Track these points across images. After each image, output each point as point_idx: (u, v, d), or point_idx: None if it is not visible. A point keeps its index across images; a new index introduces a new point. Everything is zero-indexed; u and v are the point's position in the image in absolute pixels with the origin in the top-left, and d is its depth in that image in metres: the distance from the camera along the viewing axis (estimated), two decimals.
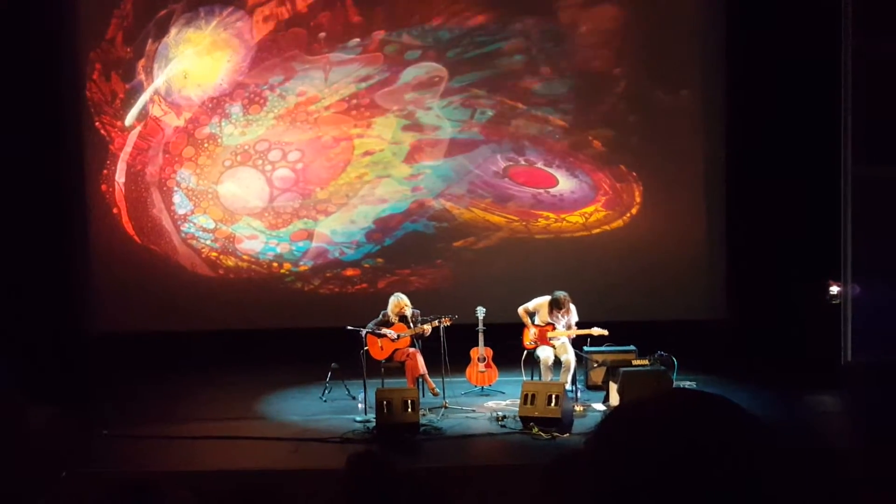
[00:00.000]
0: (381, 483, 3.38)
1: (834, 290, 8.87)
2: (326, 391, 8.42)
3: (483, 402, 8.25)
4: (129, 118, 10.47)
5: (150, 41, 10.39)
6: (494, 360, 8.48)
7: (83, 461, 6.02)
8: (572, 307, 8.31)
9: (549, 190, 10.53)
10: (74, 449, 6.31)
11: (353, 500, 3.41)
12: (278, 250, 10.61)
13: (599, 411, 7.89)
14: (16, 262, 9.44)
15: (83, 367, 9.49)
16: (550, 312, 8.24)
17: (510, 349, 8.52)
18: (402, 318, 8.28)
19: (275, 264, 10.65)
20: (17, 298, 9.37)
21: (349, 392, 8.34)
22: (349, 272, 10.60)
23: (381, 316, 8.34)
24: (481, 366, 8.44)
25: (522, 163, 10.53)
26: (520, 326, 8.44)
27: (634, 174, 10.48)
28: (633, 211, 10.51)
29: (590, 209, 10.53)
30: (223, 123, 10.49)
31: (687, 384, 7.85)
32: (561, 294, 8.23)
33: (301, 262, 10.64)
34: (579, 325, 8.31)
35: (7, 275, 9.29)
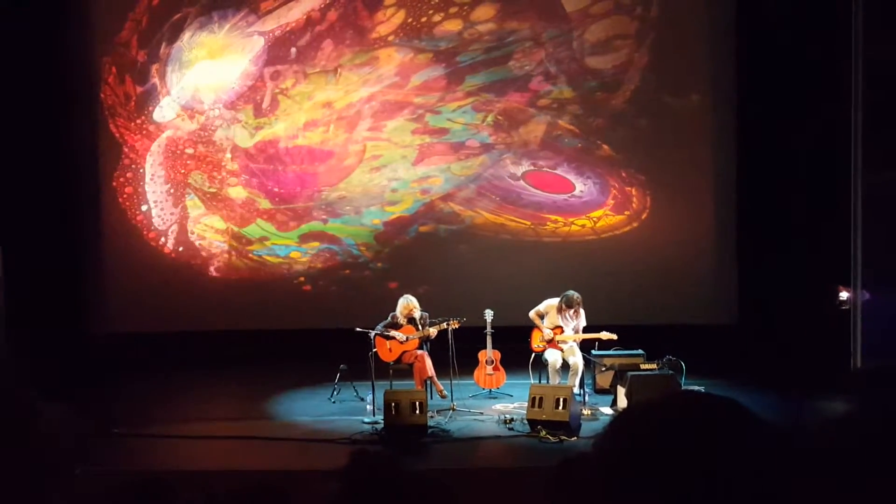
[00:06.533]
0: (384, 483, 3.39)
1: (843, 295, 8.85)
2: (335, 392, 8.44)
3: (491, 404, 8.25)
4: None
5: (163, 45, 10.46)
6: (502, 362, 8.48)
7: (94, 459, 6.07)
8: (581, 311, 8.31)
9: (559, 194, 10.54)
10: (85, 447, 6.35)
11: (356, 500, 3.41)
12: (288, 252, 10.65)
13: (607, 415, 7.88)
14: (30, 262, 9.50)
15: (94, 365, 9.54)
16: (560, 311, 8.22)
17: (518, 352, 8.53)
18: (411, 321, 8.29)
19: (285, 266, 10.68)
20: (30, 298, 9.43)
21: (357, 393, 8.36)
22: (358, 274, 10.64)
23: (389, 318, 8.35)
24: (489, 368, 8.44)
25: (531, 166, 10.54)
26: (528, 329, 8.43)
27: (643, 178, 10.48)
28: (643, 215, 10.51)
29: (598, 213, 10.53)
30: (235, 126, 10.54)
31: (695, 389, 7.84)
32: (573, 294, 8.22)
33: (311, 264, 10.67)
34: (587, 329, 8.30)
35: (21, 275, 9.34)
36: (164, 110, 10.57)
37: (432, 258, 10.57)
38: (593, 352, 8.51)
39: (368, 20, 10.41)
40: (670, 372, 7.98)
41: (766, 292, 9.85)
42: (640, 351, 8.41)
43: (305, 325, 10.21)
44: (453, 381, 8.08)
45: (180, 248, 10.68)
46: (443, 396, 8.08)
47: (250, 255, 10.69)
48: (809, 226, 9.47)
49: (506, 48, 10.38)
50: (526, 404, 7.43)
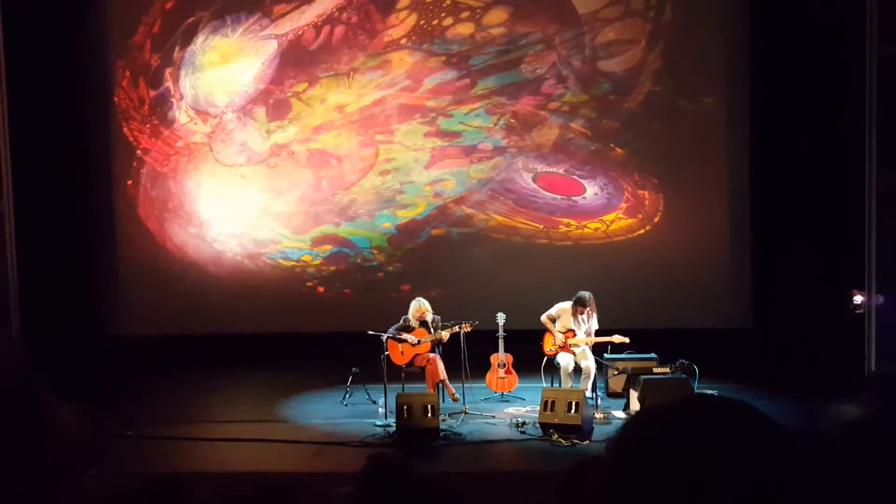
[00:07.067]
0: (399, 487, 3.39)
1: (858, 299, 8.81)
2: (347, 395, 8.45)
3: (503, 408, 8.23)
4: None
5: (177, 48, 10.52)
6: (514, 366, 8.47)
7: (107, 461, 6.09)
8: (594, 314, 8.29)
9: (571, 197, 10.53)
10: (99, 448, 6.38)
11: (372, 502, 3.42)
12: (301, 255, 10.68)
13: (620, 419, 7.87)
14: (45, 265, 9.57)
15: (109, 368, 9.58)
16: (574, 311, 8.20)
17: (530, 355, 8.52)
18: (423, 324, 8.30)
19: (297, 268, 10.71)
20: (46, 300, 9.50)
21: (370, 396, 8.37)
22: (371, 276, 10.65)
23: (402, 321, 8.36)
24: (501, 372, 8.43)
25: (544, 169, 10.53)
26: (540, 333, 8.42)
27: (656, 181, 10.45)
28: (655, 218, 10.48)
29: (611, 216, 10.51)
30: (248, 129, 10.58)
31: (709, 393, 7.80)
32: (586, 293, 8.20)
33: (323, 267, 10.70)
34: (600, 332, 8.28)
35: (36, 278, 9.41)
36: (178, 113, 10.62)
37: (445, 261, 10.57)
38: (606, 355, 8.49)
39: (381, 23, 10.43)
40: (683, 376, 7.95)
41: (779, 296, 9.80)
42: (653, 354, 8.38)
43: (317, 328, 10.23)
44: (465, 385, 8.07)
45: (194, 252, 10.72)
46: (455, 400, 8.08)
47: (263, 257, 10.73)
48: (824, 229, 9.42)
49: (518, 51, 10.38)
50: (538, 408, 7.43)
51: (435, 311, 8.38)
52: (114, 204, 10.67)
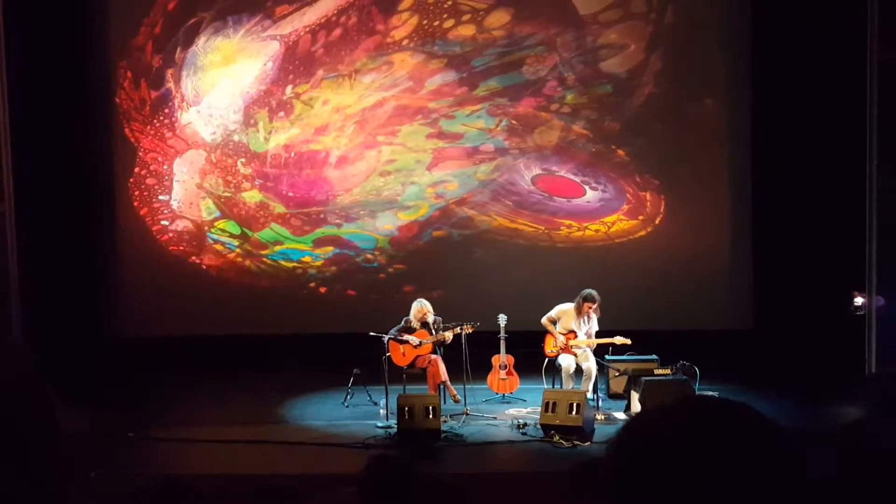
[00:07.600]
0: (401, 488, 3.40)
1: (858, 301, 8.81)
2: (349, 396, 8.46)
3: (504, 409, 8.24)
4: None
5: (178, 49, 10.52)
6: (516, 367, 8.48)
7: (109, 463, 6.09)
8: (594, 315, 8.30)
9: (572, 198, 10.53)
10: (100, 450, 6.39)
11: (374, 502, 3.43)
12: (302, 256, 10.69)
13: (621, 420, 7.87)
14: (45, 267, 9.58)
15: (110, 369, 9.58)
16: (580, 309, 8.20)
17: (532, 357, 8.52)
18: (425, 325, 8.30)
19: (298, 270, 10.72)
20: (47, 302, 9.51)
21: (371, 398, 8.37)
22: (372, 278, 10.65)
23: (403, 322, 8.37)
24: (502, 373, 8.43)
25: (545, 171, 10.54)
26: (541, 334, 8.43)
27: (658, 183, 10.45)
28: (657, 220, 10.48)
29: (612, 218, 10.51)
30: (249, 130, 10.59)
31: (709, 394, 7.80)
32: (594, 291, 8.20)
33: (325, 268, 10.70)
34: (600, 333, 8.29)
35: (37, 279, 9.42)
36: (179, 115, 10.63)
37: (446, 262, 10.57)
38: (607, 356, 8.49)
39: (382, 25, 10.44)
40: (684, 377, 7.96)
41: (781, 297, 9.80)
42: (654, 356, 8.39)
43: (319, 329, 10.23)
44: (466, 386, 8.07)
45: (195, 253, 10.73)
46: (456, 401, 8.09)
47: (264, 259, 10.73)
48: (824, 230, 9.43)
49: (519, 53, 10.38)
50: (539, 409, 7.43)
51: (436, 313, 8.38)
52: (115, 205, 10.67)
